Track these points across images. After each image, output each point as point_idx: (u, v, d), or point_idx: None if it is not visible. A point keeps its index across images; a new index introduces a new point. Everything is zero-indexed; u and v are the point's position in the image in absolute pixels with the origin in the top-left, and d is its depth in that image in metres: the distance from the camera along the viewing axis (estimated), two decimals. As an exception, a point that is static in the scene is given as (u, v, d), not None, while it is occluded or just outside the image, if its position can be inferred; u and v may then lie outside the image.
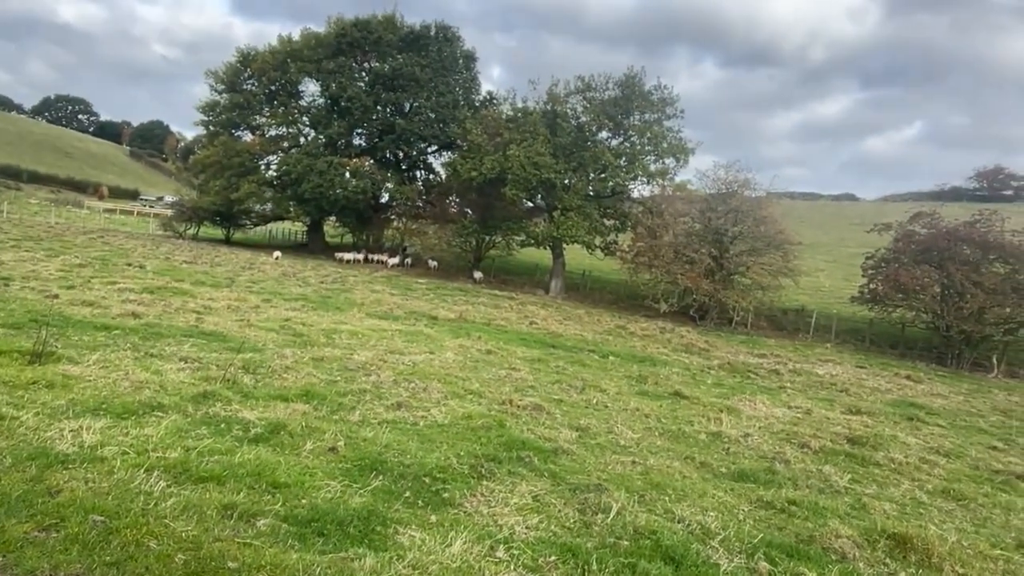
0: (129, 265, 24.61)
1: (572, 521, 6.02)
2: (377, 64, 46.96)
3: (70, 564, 4.06)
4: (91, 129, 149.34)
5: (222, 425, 7.31)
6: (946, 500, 8.42)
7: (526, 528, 5.71)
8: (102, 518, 4.65)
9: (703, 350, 21.74)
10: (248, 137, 49.90)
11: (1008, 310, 26.67)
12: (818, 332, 31.06)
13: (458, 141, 44.07)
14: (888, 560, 6.09)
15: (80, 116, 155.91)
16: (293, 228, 63.34)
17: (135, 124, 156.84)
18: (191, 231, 51.85)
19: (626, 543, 5.63)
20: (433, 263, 43.40)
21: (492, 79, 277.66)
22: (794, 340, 29.31)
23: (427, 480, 6.48)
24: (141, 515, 4.80)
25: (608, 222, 38.92)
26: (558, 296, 37.24)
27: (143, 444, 6.29)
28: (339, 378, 10.60)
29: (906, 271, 27.87)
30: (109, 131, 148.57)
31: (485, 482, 6.66)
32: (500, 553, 5.16)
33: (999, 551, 6.65)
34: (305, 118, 49.46)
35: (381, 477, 6.41)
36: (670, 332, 25.84)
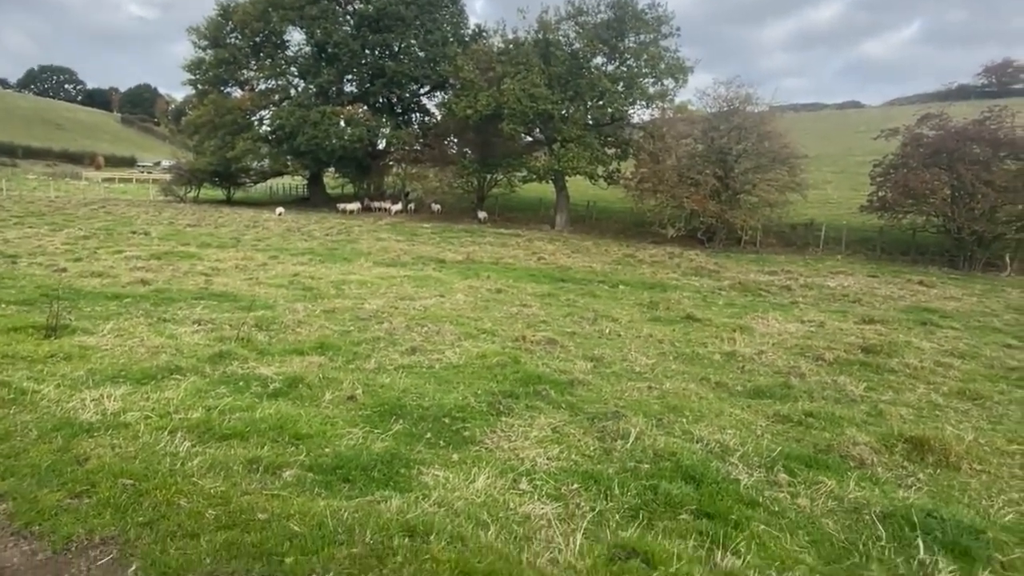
0: (134, 233, 24.62)
1: (592, 449, 6.11)
2: (361, 5, 45.62)
3: (105, 527, 4.17)
4: (79, 98, 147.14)
5: (240, 383, 7.40)
6: (962, 401, 8.47)
7: (547, 459, 5.80)
8: (131, 481, 4.75)
9: (713, 272, 21.68)
10: (238, 93, 49.09)
11: (1020, 207, 26.23)
12: (828, 245, 30.81)
13: (450, 79, 43.05)
14: (906, 463, 6.17)
15: (67, 86, 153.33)
16: (293, 183, 62.97)
17: (123, 90, 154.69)
18: (192, 194, 51.69)
19: (646, 466, 5.72)
20: (436, 206, 43.12)
21: (476, 12, 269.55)
22: (804, 255, 29.15)
23: (447, 420, 6.57)
24: (169, 475, 4.90)
25: (609, 151, 38.21)
26: (564, 230, 37.04)
27: (165, 407, 6.38)
28: (352, 328, 10.66)
29: (915, 175, 27.35)
30: (98, 99, 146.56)
31: (504, 418, 6.75)
32: (523, 485, 5.26)
33: (1016, 446, 6.71)
34: (293, 68, 48.43)
35: (401, 421, 6.50)
36: (679, 257, 25.74)
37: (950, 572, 4.31)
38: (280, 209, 40.37)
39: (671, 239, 31.23)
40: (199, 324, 10.33)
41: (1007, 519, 5.18)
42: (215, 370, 7.82)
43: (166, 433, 5.71)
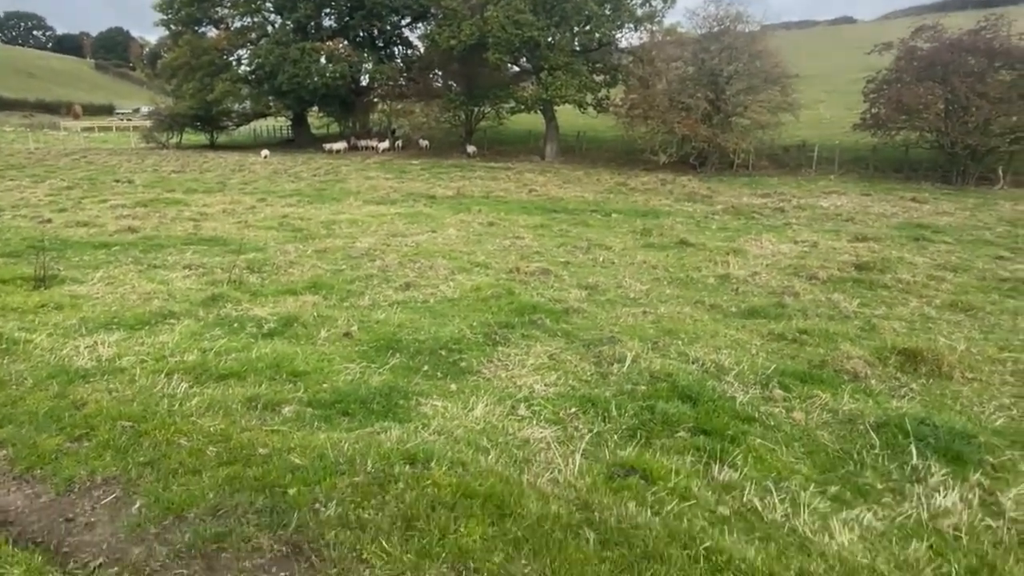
0: (117, 181, 24.20)
1: (589, 374, 6.15)
2: (334, -68, 43.65)
3: (106, 468, 4.20)
4: (49, 45, 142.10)
5: (235, 324, 7.38)
6: (954, 312, 8.54)
7: (544, 385, 5.84)
8: (130, 423, 4.77)
9: (706, 197, 21.52)
10: (213, 32, 47.41)
11: (1015, 119, 25.80)
12: (821, 165, 30.52)
13: (432, 9, 41.47)
14: (899, 375, 6.24)
15: (35, 32, 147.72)
16: (277, 124, 61.56)
17: (94, 34, 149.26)
18: (174, 140, 50.50)
19: (643, 388, 5.77)
20: (424, 142, 42.35)
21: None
22: (797, 176, 28.89)
23: (443, 353, 6.59)
24: (168, 416, 4.92)
25: (598, 77, 37.23)
26: (555, 160, 36.54)
27: (160, 351, 6.37)
28: (344, 267, 10.61)
29: (909, 90, 26.84)
30: (68, 45, 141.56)
31: (500, 348, 6.77)
32: (522, 411, 5.31)
33: (1007, 353, 6.80)
34: (268, 4, 46.50)
35: (398, 355, 6.51)
36: (671, 183, 25.50)
37: (943, 475, 4.39)
38: (265, 151, 39.61)
39: (663, 166, 30.86)
40: (190, 269, 10.26)
41: (998, 424, 5.27)
42: (209, 313, 7.79)
43: (163, 376, 5.71)
